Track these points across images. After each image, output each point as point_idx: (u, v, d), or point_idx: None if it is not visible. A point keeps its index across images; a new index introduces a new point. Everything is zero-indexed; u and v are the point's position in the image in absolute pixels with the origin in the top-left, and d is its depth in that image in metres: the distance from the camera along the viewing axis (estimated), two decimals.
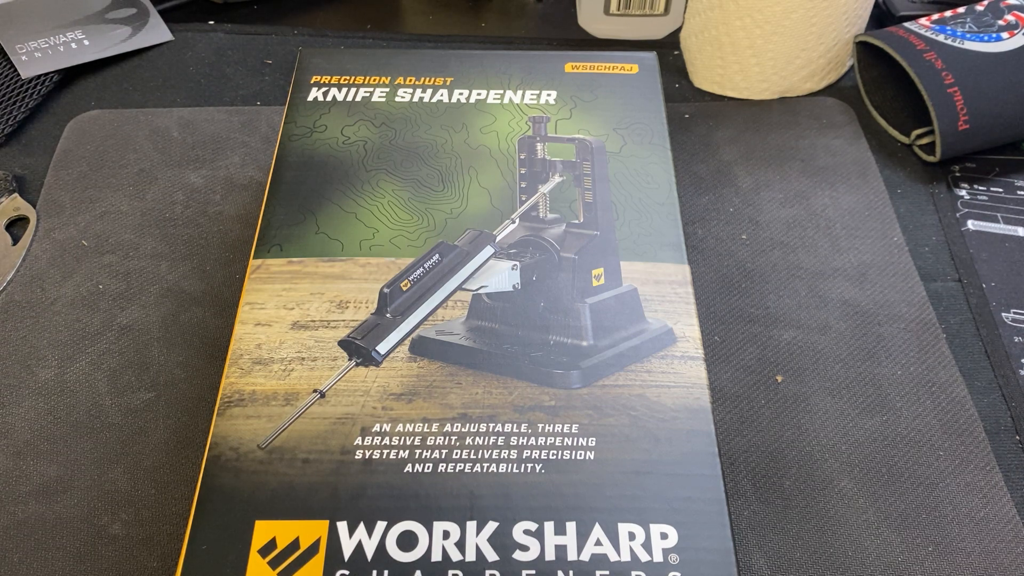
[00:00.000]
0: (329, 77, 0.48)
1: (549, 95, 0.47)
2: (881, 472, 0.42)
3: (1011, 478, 0.42)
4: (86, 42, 0.63)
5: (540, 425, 0.35)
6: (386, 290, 0.37)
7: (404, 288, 0.38)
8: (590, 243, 0.41)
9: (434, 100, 0.46)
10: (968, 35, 0.54)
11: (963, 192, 0.55)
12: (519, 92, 0.47)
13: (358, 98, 0.46)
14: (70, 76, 0.63)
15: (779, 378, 0.45)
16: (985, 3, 0.57)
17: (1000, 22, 0.55)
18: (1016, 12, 0.55)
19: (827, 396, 0.45)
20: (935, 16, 0.57)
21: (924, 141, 0.56)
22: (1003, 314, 0.48)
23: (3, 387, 0.45)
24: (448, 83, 0.47)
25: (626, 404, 0.36)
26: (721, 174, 0.56)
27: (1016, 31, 0.54)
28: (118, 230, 0.52)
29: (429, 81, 0.48)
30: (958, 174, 0.56)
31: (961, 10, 0.57)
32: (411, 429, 0.35)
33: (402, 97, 0.46)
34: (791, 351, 0.46)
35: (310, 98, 0.46)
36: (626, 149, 0.45)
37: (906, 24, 0.57)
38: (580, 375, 0.37)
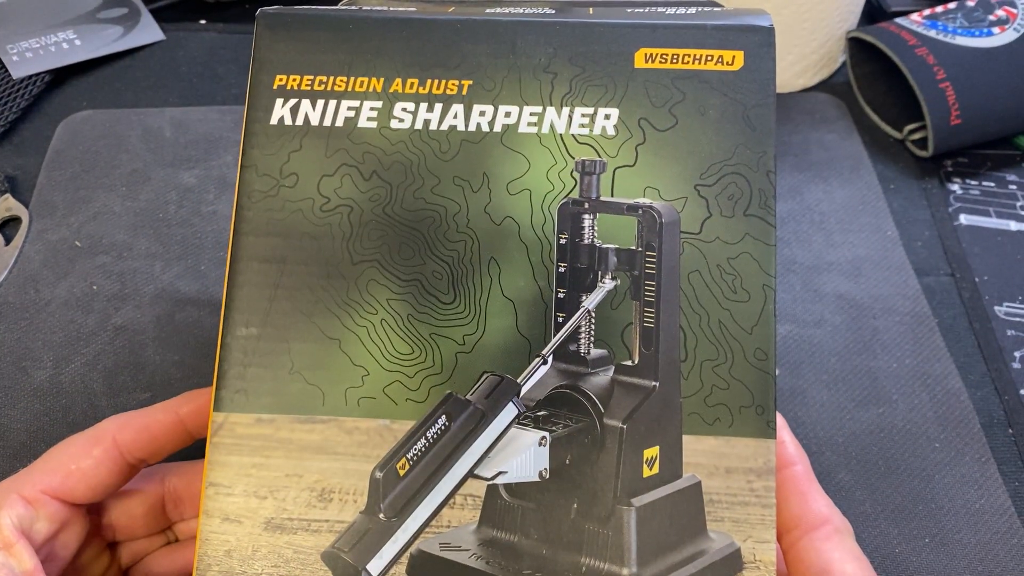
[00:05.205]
0: (298, 78, 0.33)
1: (607, 117, 0.31)
2: (878, 464, 0.42)
3: (1005, 470, 0.42)
4: (77, 42, 0.63)
5: None
6: (378, 474, 0.28)
7: (401, 472, 0.29)
8: (646, 404, 0.29)
9: (444, 127, 0.32)
10: (959, 30, 0.55)
11: (956, 187, 0.55)
12: (565, 110, 0.31)
13: (339, 120, 0.32)
14: (62, 76, 0.62)
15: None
16: None
17: (991, 17, 0.55)
18: (1006, 7, 0.56)
19: (823, 389, 0.45)
20: (926, 12, 0.57)
21: (917, 136, 0.56)
22: (996, 308, 0.49)
23: None
24: (465, 90, 0.33)
25: None
26: None
27: (1007, 26, 0.55)
28: (111, 230, 0.52)
29: (438, 88, 0.33)
30: (951, 169, 0.56)
31: (952, 5, 0.57)
32: None
33: (400, 119, 0.32)
34: (787, 345, 0.47)
35: (274, 119, 0.33)
36: (710, 225, 0.30)
37: (898, 20, 0.57)
38: None
